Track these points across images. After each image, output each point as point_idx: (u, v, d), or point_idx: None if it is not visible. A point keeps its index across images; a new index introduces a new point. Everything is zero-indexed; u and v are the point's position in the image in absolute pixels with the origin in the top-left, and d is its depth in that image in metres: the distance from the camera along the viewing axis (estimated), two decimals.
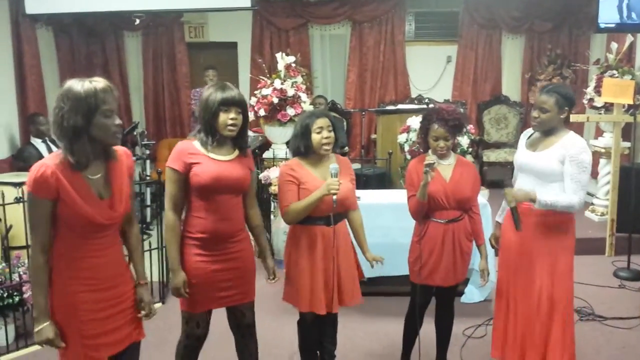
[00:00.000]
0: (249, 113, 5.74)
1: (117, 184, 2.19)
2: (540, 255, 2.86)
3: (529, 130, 3.08)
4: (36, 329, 2.10)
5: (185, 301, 2.64)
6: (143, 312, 2.35)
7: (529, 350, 2.93)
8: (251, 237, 2.82)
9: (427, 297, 3.14)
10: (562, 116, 2.84)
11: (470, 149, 6.02)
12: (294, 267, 2.89)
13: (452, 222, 3.00)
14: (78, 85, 2.05)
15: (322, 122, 2.81)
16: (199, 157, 2.55)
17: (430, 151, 3.07)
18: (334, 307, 2.89)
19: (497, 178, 7.38)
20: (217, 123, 2.54)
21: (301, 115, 3.04)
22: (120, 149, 2.26)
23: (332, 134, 2.84)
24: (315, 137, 2.80)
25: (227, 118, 2.53)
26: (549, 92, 2.82)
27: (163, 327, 3.80)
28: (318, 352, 3.16)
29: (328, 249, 2.84)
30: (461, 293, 4.25)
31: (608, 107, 5.62)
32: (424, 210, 2.98)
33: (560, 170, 2.81)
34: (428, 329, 3.27)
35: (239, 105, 2.57)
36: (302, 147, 2.85)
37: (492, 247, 3.22)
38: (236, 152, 2.65)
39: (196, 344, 2.77)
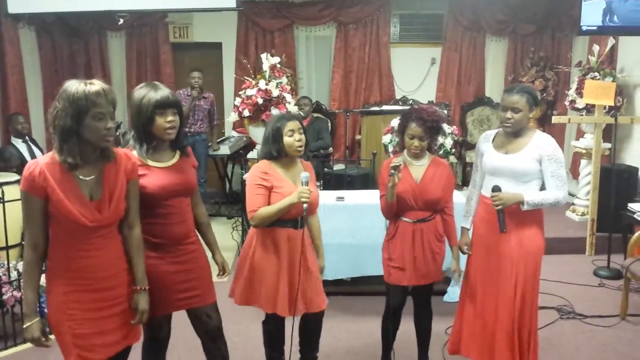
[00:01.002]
0: (234, 114, 5.81)
1: (109, 186, 2.17)
2: (514, 253, 2.88)
3: (489, 133, 3.06)
4: (24, 326, 2.12)
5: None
6: (134, 320, 2.31)
7: (503, 346, 2.93)
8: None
9: (401, 297, 3.14)
10: (530, 115, 2.87)
11: (453, 150, 6.08)
12: (258, 270, 2.85)
13: (420, 222, 3.01)
14: (73, 86, 2.05)
15: (293, 124, 2.80)
16: (141, 168, 2.41)
17: (404, 151, 3.09)
18: (297, 311, 2.86)
19: None
20: (153, 127, 2.42)
21: (270, 119, 3.01)
22: (121, 152, 2.25)
23: (303, 136, 2.82)
24: (287, 140, 2.79)
25: (164, 121, 2.42)
26: (520, 92, 2.83)
27: None
28: (300, 354, 3.16)
29: (294, 251, 2.83)
30: (443, 292, 4.27)
31: (589, 109, 5.69)
32: (394, 210, 3.00)
33: (538, 169, 2.84)
34: (409, 328, 3.28)
35: (175, 105, 2.46)
36: (274, 150, 2.82)
37: (463, 253, 3.16)
38: (177, 155, 2.56)
39: (160, 345, 2.72)
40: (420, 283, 3.09)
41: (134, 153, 2.46)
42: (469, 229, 3.18)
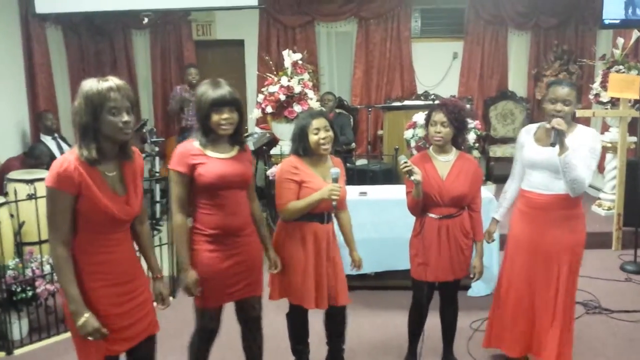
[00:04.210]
0: (257, 110, 5.86)
1: (131, 181, 2.24)
2: (560, 249, 2.90)
3: (531, 127, 3.08)
4: (79, 322, 2.08)
5: (198, 297, 2.67)
6: (161, 306, 2.43)
7: (544, 343, 2.96)
8: None
9: (426, 292, 3.15)
10: (575, 110, 2.87)
11: (476, 145, 6.05)
12: (285, 261, 2.91)
13: (446, 218, 3.02)
14: (87, 84, 2.11)
15: (319, 122, 2.83)
16: (201, 157, 2.57)
17: (430, 146, 3.11)
18: (323, 304, 2.92)
19: (504, 173, 7.40)
20: (210, 123, 2.56)
21: (297, 116, 3.06)
22: (134, 149, 2.30)
23: (329, 133, 2.84)
24: (312, 138, 2.82)
25: (220, 118, 2.54)
26: (570, 85, 2.84)
27: (174, 320, 3.84)
28: (327, 345, 3.20)
29: (321, 246, 2.88)
30: (468, 287, 4.28)
31: (614, 102, 5.63)
32: (420, 207, 3.02)
33: None
34: (436, 322, 3.31)
35: (232, 103, 2.57)
36: (301, 149, 2.88)
37: (487, 241, 3.24)
38: (236, 149, 2.68)
39: (209, 336, 2.81)
40: (446, 279, 3.10)
41: (195, 144, 2.59)
42: (498, 221, 3.23)
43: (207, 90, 2.56)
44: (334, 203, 2.74)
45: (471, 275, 3.16)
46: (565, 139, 2.76)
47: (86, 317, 2.09)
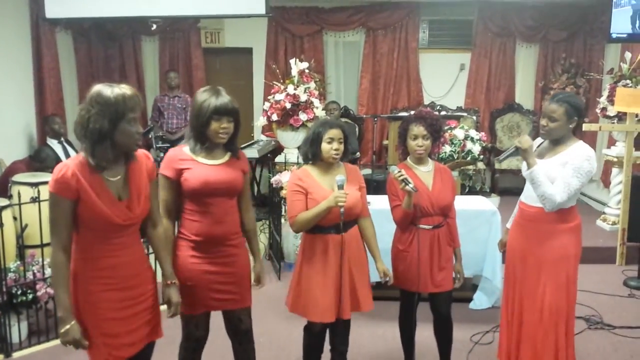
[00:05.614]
0: (262, 118, 5.88)
1: (135, 185, 2.23)
2: (546, 262, 2.87)
3: (538, 140, 3.08)
4: (62, 329, 2.12)
5: (183, 303, 2.57)
6: (169, 313, 2.44)
7: (533, 357, 2.93)
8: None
9: (414, 299, 3.13)
10: (570, 126, 2.83)
11: (481, 156, 6.05)
12: (305, 279, 2.88)
13: (436, 227, 3.03)
14: (108, 90, 2.08)
15: (334, 133, 2.82)
16: (188, 162, 2.56)
17: (409, 157, 3.10)
18: (345, 313, 2.87)
19: (508, 185, 7.38)
20: (208, 130, 2.55)
21: (316, 121, 3.06)
22: (140, 152, 2.31)
23: (342, 146, 2.84)
24: (324, 147, 2.82)
25: (219, 127, 2.53)
26: (559, 101, 2.81)
27: (173, 326, 3.84)
28: (330, 353, 3.16)
29: (339, 256, 2.84)
30: (469, 299, 4.26)
31: (621, 117, 5.62)
32: (410, 218, 3.00)
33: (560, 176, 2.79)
34: (432, 336, 3.28)
35: (231, 113, 2.56)
36: (310, 154, 2.87)
37: (500, 252, 3.28)
38: (227, 156, 2.66)
39: (196, 345, 2.77)
40: (441, 290, 3.08)
41: (185, 149, 2.59)
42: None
43: (209, 98, 2.54)
44: (341, 210, 2.72)
45: (457, 281, 3.15)
46: (558, 154, 2.80)
47: (70, 325, 2.12)
